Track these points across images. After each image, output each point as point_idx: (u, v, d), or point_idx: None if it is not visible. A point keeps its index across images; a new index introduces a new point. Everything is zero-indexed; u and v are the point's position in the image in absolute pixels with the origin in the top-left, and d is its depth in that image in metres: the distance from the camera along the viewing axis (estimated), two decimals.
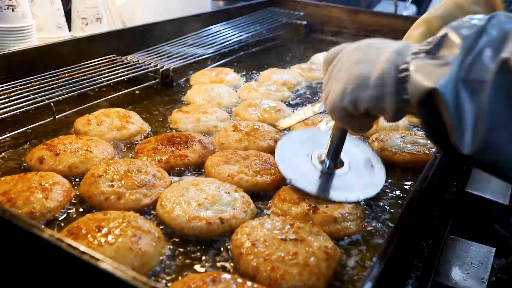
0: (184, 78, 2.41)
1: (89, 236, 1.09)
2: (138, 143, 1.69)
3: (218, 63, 2.67)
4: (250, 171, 1.47)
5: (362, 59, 1.07)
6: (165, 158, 1.53)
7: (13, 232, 0.85)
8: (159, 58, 2.40)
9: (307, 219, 1.28)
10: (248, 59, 2.85)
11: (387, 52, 1.03)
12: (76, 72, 2.06)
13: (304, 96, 2.31)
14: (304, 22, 3.45)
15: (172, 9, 3.16)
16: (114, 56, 2.30)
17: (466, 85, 0.85)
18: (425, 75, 0.91)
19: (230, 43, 2.76)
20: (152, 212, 1.32)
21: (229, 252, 1.18)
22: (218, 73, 2.42)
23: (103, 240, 1.08)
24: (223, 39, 2.78)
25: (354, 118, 1.14)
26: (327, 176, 1.41)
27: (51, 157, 1.46)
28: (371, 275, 0.84)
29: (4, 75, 1.95)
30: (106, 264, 0.72)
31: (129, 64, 2.25)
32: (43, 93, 1.82)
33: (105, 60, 2.25)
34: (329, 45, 3.02)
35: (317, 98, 2.27)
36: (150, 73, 2.24)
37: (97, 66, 2.16)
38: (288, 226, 1.19)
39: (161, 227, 1.25)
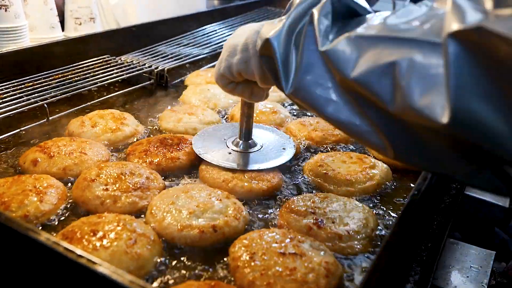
0: (179, 79, 2.42)
1: (84, 240, 1.09)
2: (132, 144, 1.71)
3: (214, 63, 2.67)
4: (245, 176, 1.46)
5: (236, 34, 1.31)
6: (156, 160, 1.53)
7: (8, 236, 0.86)
8: (154, 58, 2.41)
9: (310, 234, 1.25)
10: None
11: (255, 25, 1.26)
12: (70, 73, 2.07)
13: None
14: None
15: (167, 8, 3.18)
16: (108, 57, 2.31)
17: (290, 38, 1.09)
18: (265, 31, 1.13)
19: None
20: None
21: (227, 263, 1.16)
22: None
23: (98, 244, 1.08)
24: (218, 39, 2.79)
25: (238, 85, 1.37)
26: (239, 154, 1.60)
27: (45, 159, 1.47)
28: (368, 279, 0.85)
29: None
30: (103, 268, 0.73)
31: (123, 65, 2.26)
32: (36, 94, 1.82)
33: (99, 61, 2.25)
34: None
35: None
36: (144, 74, 2.25)
37: (91, 67, 2.17)
38: (288, 240, 1.17)
39: None
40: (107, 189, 1.34)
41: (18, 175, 1.40)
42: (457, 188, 1.62)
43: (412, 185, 1.55)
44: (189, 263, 1.16)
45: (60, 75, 2.03)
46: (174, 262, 1.16)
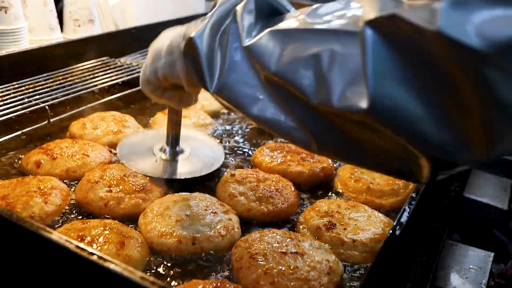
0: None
1: None
2: None
3: None
4: (253, 195, 1.43)
5: (160, 38, 1.30)
6: None
7: (20, 235, 0.90)
8: None
9: (316, 234, 1.29)
10: None
11: (179, 28, 1.23)
12: (70, 75, 2.10)
13: None
14: None
15: (166, 10, 3.21)
16: (107, 59, 2.35)
17: (214, 37, 1.07)
18: (188, 31, 1.10)
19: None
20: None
21: (230, 264, 1.19)
22: None
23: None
24: None
25: (165, 91, 1.32)
26: (166, 163, 1.59)
27: (48, 161, 1.51)
28: (367, 280, 0.88)
29: None
30: (115, 265, 0.77)
31: (122, 67, 2.29)
32: (37, 96, 1.85)
33: (99, 63, 2.29)
34: None
35: None
36: None
37: (90, 69, 2.20)
38: (289, 239, 1.20)
39: None
40: (110, 191, 1.37)
41: (22, 176, 1.44)
42: (455, 190, 1.65)
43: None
44: (181, 265, 1.19)
45: (60, 77, 2.06)
46: (168, 264, 1.19)
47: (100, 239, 1.15)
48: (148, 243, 1.21)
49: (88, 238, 1.15)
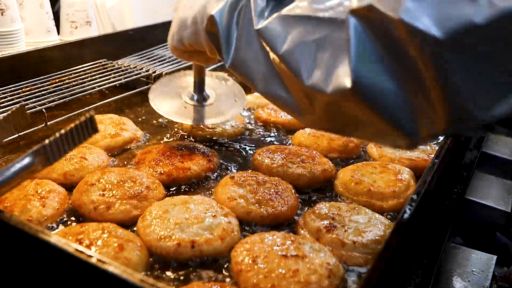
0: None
1: None
2: (130, 150, 1.78)
3: (213, 66, 2.70)
4: (253, 198, 1.43)
5: (184, 6, 1.41)
6: (166, 170, 1.56)
7: (18, 238, 0.91)
8: (151, 62, 2.45)
9: (316, 236, 1.30)
10: None
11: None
12: (67, 77, 2.12)
13: None
14: None
15: (163, 11, 3.22)
16: (105, 61, 2.36)
17: (232, 15, 1.24)
18: (210, 7, 1.28)
19: None
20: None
21: (228, 268, 1.20)
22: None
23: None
24: None
25: (191, 54, 1.53)
26: (194, 108, 1.80)
27: None
28: (367, 283, 0.89)
29: None
30: (114, 268, 0.78)
31: (120, 69, 2.31)
32: (34, 99, 1.87)
33: (96, 65, 2.30)
34: None
35: None
36: (142, 78, 2.30)
37: (87, 71, 2.22)
38: (289, 242, 1.21)
39: None
40: (103, 195, 1.38)
41: None
42: (457, 192, 1.66)
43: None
44: (180, 268, 1.20)
45: (57, 80, 2.08)
46: (168, 267, 1.20)
47: (99, 242, 1.15)
48: (147, 247, 1.22)
49: (87, 242, 1.15)
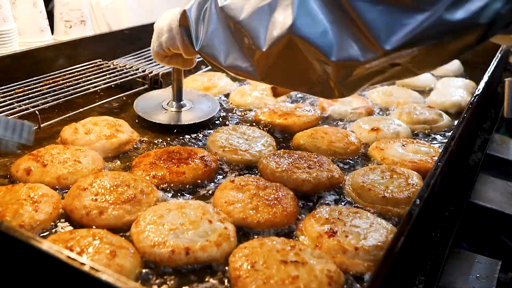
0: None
1: None
2: (128, 153, 1.77)
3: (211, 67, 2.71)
4: (251, 203, 1.42)
5: (162, 18, 1.70)
6: (160, 174, 1.55)
7: (9, 245, 0.91)
8: (147, 62, 2.45)
9: (316, 241, 1.28)
10: None
11: (176, 10, 1.60)
12: (61, 78, 2.12)
13: (299, 100, 2.38)
14: None
15: (160, 10, 3.20)
16: (100, 61, 2.36)
17: (201, 11, 1.49)
18: (183, 5, 1.52)
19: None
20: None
21: (225, 273, 1.20)
22: (210, 78, 2.49)
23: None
24: None
25: (171, 58, 1.78)
26: (174, 113, 2.08)
27: (38, 168, 1.51)
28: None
29: None
30: (107, 275, 0.77)
31: (116, 69, 2.30)
32: (27, 101, 1.86)
33: (91, 65, 2.30)
34: None
35: (313, 102, 2.34)
36: (138, 79, 2.29)
37: (82, 72, 2.22)
38: (289, 248, 1.20)
39: None
40: (96, 200, 1.36)
41: (12, 184, 1.44)
42: (461, 196, 1.66)
43: None
44: (175, 275, 1.19)
45: (51, 81, 2.08)
46: (162, 275, 1.19)
47: (90, 249, 1.14)
48: (140, 253, 1.21)
49: (77, 249, 1.14)
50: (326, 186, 1.58)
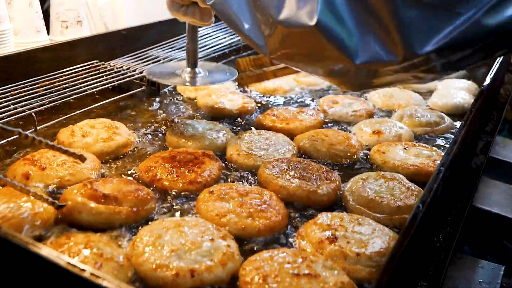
0: (172, 85, 2.47)
1: None
2: (124, 155, 1.78)
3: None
4: (243, 211, 1.40)
5: None
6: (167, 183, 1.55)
7: (7, 250, 0.91)
8: (145, 63, 2.45)
9: (317, 247, 1.28)
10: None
11: None
12: (57, 80, 2.11)
13: (295, 102, 2.39)
14: None
15: (158, 10, 3.22)
16: (97, 62, 2.36)
17: None
18: None
19: (220, 47, 2.83)
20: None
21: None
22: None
23: None
24: (212, 42, 2.85)
25: (187, 8, 1.70)
26: (190, 75, 2.03)
27: (37, 172, 1.52)
28: None
29: None
30: (107, 282, 0.78)
31: (113, 71, 2.31)
32: (23, 103, 1.87)
33: (88, 67, 2.30)
34: None
35: (310, 103, 2.34)
36: (135, 80, 2.30)
37: (79, 73, 2.21)
38: (300, 260, 1.18)
39: None
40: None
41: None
42: (464, 200, 1.66)
43: None
44: None
45: (47, 82, 2.08)
46: None
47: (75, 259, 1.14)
48: (142, 277, 1.17)
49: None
50: (324, 202, 1.55)
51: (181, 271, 1.15)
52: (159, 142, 1.91)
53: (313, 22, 1.17)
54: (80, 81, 2.14)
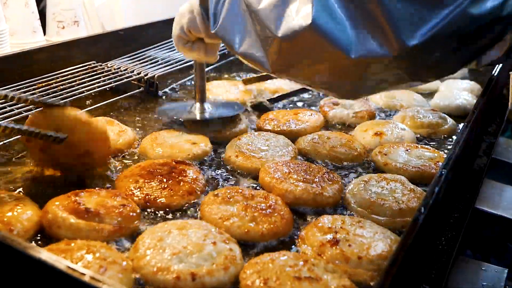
0: (170, 86, 2.48)
1: None
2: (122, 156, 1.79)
3: (207, 69, 2.70)
4: (247, 215, 1.40)
5: (183, 6, 1.75)
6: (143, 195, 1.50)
7: (6, 254, 0.92)
8: (143, 64, 2.47)
9: (319, 250, 1.28)
10: (240, 64, 2.85)
11: None
12: (54, 81, 2.12)
13: (294, 104, 2.40)
14: None
15: (156, 10, 3.23)
16: (94, 63, 2.37)
17: None
18: None
19: (220, 47, 2.82)
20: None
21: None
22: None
23: None
24: None
25: (193, 44, 1.81)
26: (199, 112, 2.07)
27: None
28: None
29: None
30: (107, 286, 0.78)
31: (110, 72, 2.31)
32: (19, 105, 1.86)
33: (85, 68, 2.31)
34: None
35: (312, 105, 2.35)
36: (133, 82, 2.30)
37: (76, 74, 2.22)
38: (302, 263, 1.19)
39: None
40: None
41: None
42: (466, 203, 1.66)
43: None
44: None
45: (43, 84, 2.08)
46: None
47: (80, 264, 1.13)
48: (143, 280, 1.18)
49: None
50: (328, 203, 1.56)
51: (182, 274, 1.15)
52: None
53: (308, 22, 1.23)
54: (77, 82, 2.15)
